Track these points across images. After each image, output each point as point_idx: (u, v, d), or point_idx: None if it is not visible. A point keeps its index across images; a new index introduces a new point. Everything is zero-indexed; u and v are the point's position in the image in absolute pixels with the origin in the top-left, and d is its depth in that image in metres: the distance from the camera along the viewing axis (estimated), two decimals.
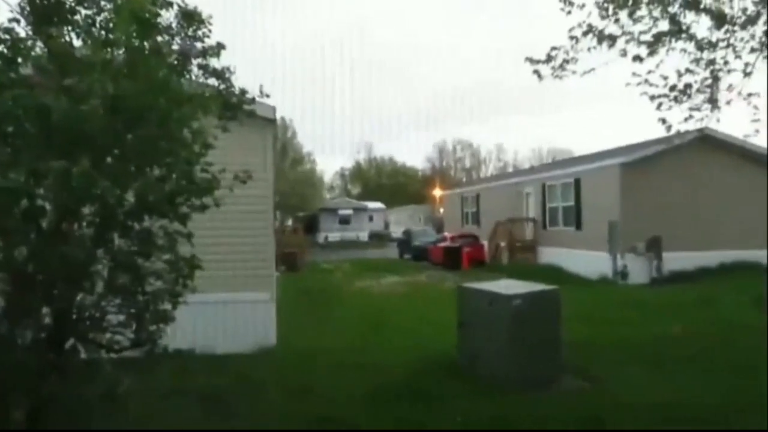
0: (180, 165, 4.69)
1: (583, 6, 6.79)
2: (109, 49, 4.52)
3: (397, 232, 46.50)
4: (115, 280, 4.75)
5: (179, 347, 5.35)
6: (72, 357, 4.67)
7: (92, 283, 4.62)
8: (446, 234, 30.26)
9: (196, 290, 5.13)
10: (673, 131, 7.47)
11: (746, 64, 7.21)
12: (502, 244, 24.42)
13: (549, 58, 7.11)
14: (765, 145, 19.03)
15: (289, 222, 47.57)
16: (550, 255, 22.42)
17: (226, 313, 9.55)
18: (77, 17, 4.83)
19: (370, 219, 56.77)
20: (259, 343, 9.63)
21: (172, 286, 5.01)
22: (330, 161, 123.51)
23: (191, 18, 4.97)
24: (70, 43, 4.74)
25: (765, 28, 7.07)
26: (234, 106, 5.30)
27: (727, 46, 7.17)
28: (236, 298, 9.71)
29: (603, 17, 6.89)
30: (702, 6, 6.89)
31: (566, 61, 7.09)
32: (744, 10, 6.95)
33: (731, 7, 6.95)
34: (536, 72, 7.14)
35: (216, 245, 8.55)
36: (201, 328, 8.67)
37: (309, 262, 27.95)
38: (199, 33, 5.06)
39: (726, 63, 7.26)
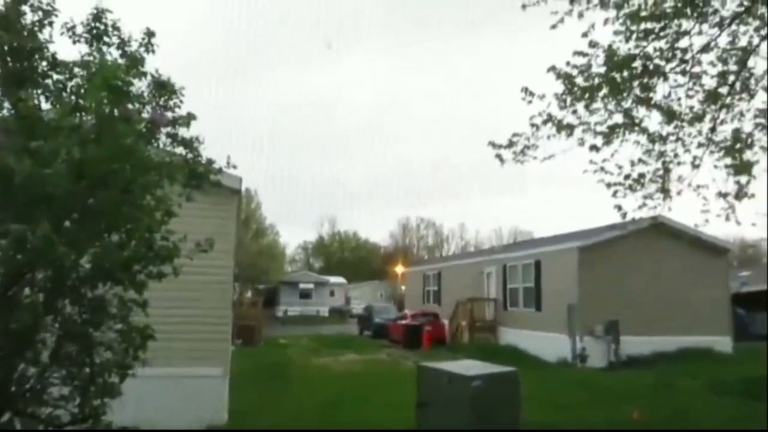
0: (140, 231, 4.62)
1: (543, 96, 7.16)
2: (78, 114, 4.53)
3: (358, 308, 45.91)
4: (62, 349, 4.53)
5: (124, 424, 5.05)
6: None
7: (36, 352, 4.40)
8: (407, 311, 30.02)
9: (147, 363, 4.93)
10: (628, 218, 7.76)
11: (695, 158, 7.65)
12: (463, 323, 24.33)
13: (511, 144, 7.39)
14: (716, 234, 19.92)
15: (249, 294, 46.57)
16: (510, 335, 22.39)
17: (176, 388, 9.12)
18: (48, 81, 4.85)
19: (331, 294, 56.06)
20: (210, 421, 9.18)
21: (122, 357, 4.81)
22: (293, 234, 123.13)
23: (163, 88, 5.05)
24: (39, 107, 4.73)
25: (711, 124, 7.56)
26: (200, 176, 5.31)
27: (677, 140, 7.62)
28: (188, 372, 9.32)
29: (561, 108, 7.27)
30: (653, 102, 7.36)
31: (527, 147, 7.38)
32: (691, 108, 7.45)
33: (680, 105, 7.43)
34: (498, 156, 7.40)
35: (170, 315, 8.28)
36: (148, 403, 8.24)
37: (267, 336, 27.21)
38: (171, 103, 5.13)
39: (676, 155, 7.68)
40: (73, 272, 4.28)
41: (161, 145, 5.16)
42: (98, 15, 5.03)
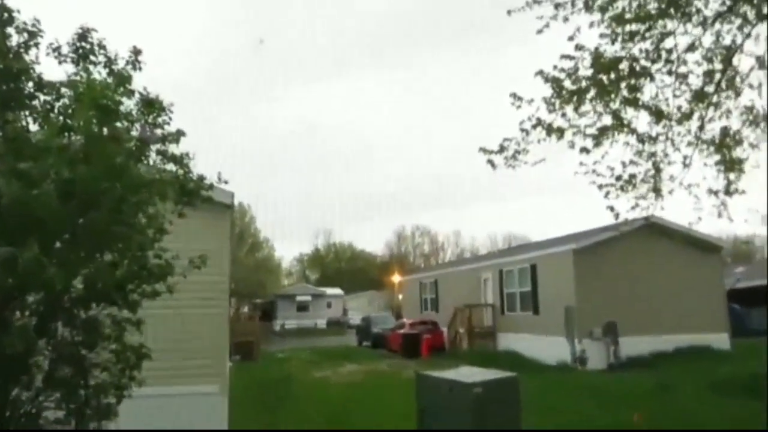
0: (133, 250, 4.59)
1: (531, 101, 7.19)
2: (66, 134, 4.51)
3: (355, 318, 45.78)
4: (56, 372, 4.48)
5: None
6: None
7: (30, 376, 4.35)
8: (405, 320, 29.94)
9: (144, 383, 4.88)
10: (621, 219, 7.78)
11: (685, 157, 7.69)
12: (461, 330, 24.28)
13: (501, 149, 7.41)
14: (709, 232, 20.02)
15: (245, 308, 46.39)
16: (509, 340, 22.36)
17: (174, 407, 9.02)
18: (35, 102, 4.83)
19: (329, 306, 55.94)
20: None
21: (118, 378, 4.76)
22: (288, 247, 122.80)
23: (152, 105, 5.04)
24: (27, 128, 4.71)
25: (699, 123, 7.61)
26: (191, 192, 5.29)
27: (666, 139, 7.66)
28: (185, 391, 9.22)
29: (550, 111, 7.29)
30: (641, 103, 7.39)
31: (518, 152, 7.40)
32: (679, 107, 7.49)
33: (668, 105, 7.48)
34: (490, 162, 7.41)
35: (166, 333, 8.22)
36: (146, 424, 8.15)
37: (265, 351, 27.06)
38: (160, 120, 5.12)
39: (666, 155, 7.72)
40: (65, 294, 4.24)
41: (151, 162, 5.14)
42: (84, 34, 5.02)
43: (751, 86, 7.24)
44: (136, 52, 5.14)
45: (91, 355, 4.65)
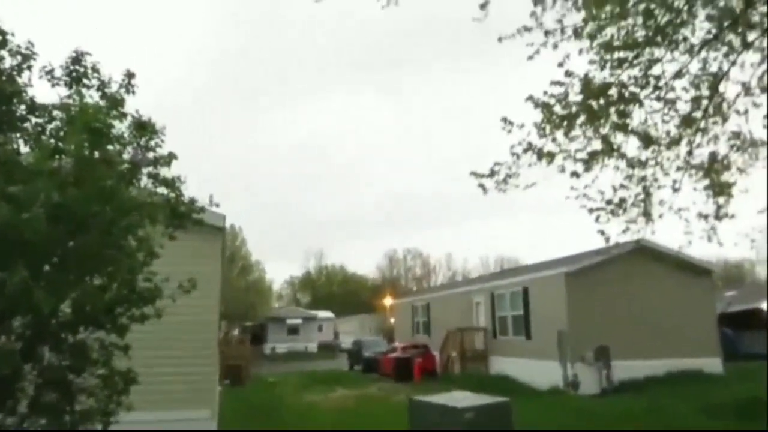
0: (122, 273, 4.55)
1: (522, 126, 7.25)
2: (57, 157, 4.50)
3: (347, 342, 45.41)
4: (42, 398, 4.41)
5: None
6: None
7: (15, 401, 4.27)
8: (397, 344, 29.73)
9: (132, 408, 4.80)
10: (611, 242, 7.80)
11: (674, 181, 7.76)
12: (453, 354, 24.13)
13: (492, 173, 7.44)
14: (699, 256, 20.11)
15: (236, 332, 45.94)
16: (501, 364, 22.23)
17: None
18: (27, 125, 4.83)
19: (320, 329, 55.46)
20: None
21: (105, 403, 4.69)
22: (279, 269, 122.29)
23: (144, 128, 5.05)
24: (18, 151, 4.70)
25: (687, 148, 7.70)
26: (182, 215, 5.28)
27: (656, 164, 7.73)
28: (174, 416, 9.08)
29: (541, 136, 7.35)
30: (630, 128, 7.48)
31: (509, 176, 7.43)
32: (668, 132, 7.58)
33: (656, 130, 7.57)
34: (481, 186, 7.44)
35: (154, 358, 8.12)
36: None
37: (255, 375, 26.74)
38: (152, 143, 5.13)
39: (656, 179, 7.79)
40: (52, 317, 4.19)
41: (143, 185, 5.13)
42: (77, 58, 5.05)
43: (737, 112, 7.35)
44: (130, 75, 5.17)
45: (78, 380, 4.58)
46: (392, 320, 42.68)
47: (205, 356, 9.80)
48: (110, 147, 4.65)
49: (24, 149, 4.80)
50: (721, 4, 6.79)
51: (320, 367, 32.73)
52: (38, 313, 3.92)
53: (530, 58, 7.03)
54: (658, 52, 7.17)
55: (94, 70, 5.10)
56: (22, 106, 4.80)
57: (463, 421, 7.22)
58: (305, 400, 18.52)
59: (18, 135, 4.80)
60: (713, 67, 7.23)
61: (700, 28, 7.09)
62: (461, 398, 8.05)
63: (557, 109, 7.26)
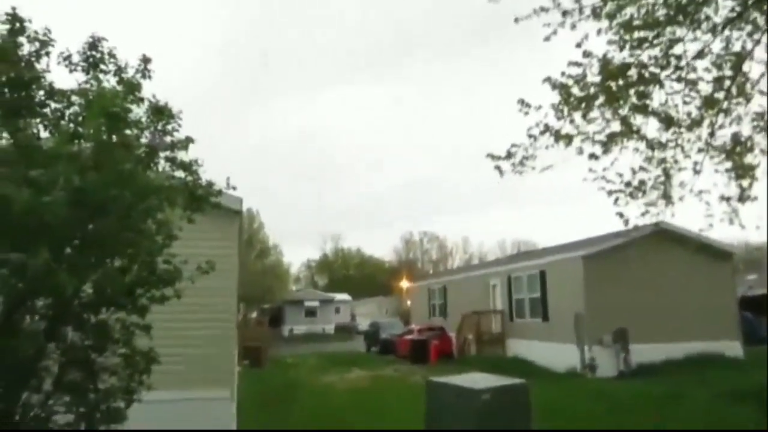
0: (142, 256, 4.63)
1: (539, 107, 7.18)
2: (76, 142, 4.56)
3: (363, 324, 45.72)
4: (66, 376, 4.52)
5: None
6: None
7: (40, 380, 4.39)
8: (413, 326, 29.89)
9: (152, 387, 4.91)
10: (630, 225, 7.73)
11: (695, 163, 7.65)
12: (470, 336, 24.19)
13: (509, 155, 7.39)
14: (720, 239, 19.82)
15: (254, 314, 46.46)
16: (517, 347, 22.25)
17: (182, 412, 9.04)
18: (46, 110, 4.89)
19: (337, 311, 55.89)
20: None
21: (127, 382, 4.80)
22: (297, 252, 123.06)
23: (161, 113, 5.09)
24: (37, 136, 4.76)
25: (709, 130, 7.57)
26: (200, 198, 5.33)
27: (676, 146, 7.62)
28: (194, 395, 9.25)
29: (559, 118, 7.27)
30: (650, 109, 7.36)
31: (525, 158, 7.38)
32: (689, 113, 7.45)
33: (677, 111, 7.44)
34: (498, 168, 7.39)
35: (174, 338, 8.25)
36: (154, 429, 8.18)
37: (273, 356, 27.08)
38: (169, 127, 5.17)
39: (676, 161, 7.68)
40: (75, 299, 4.28)
41: (161, 169, 5.18)
42: (94, 43, 5.08)
43: (761, 92, 7.20)
44: (146, 60, 5.20)
45: (100, 359, 4.68)
46: (408, 303, 42.83)
47: (223, 337, 9.94)
48: (128, 131, 4.70)
49: (43, 134, 4.87)
50: None
51: (337, 349, 33.04)
52: (61, 294, 4.00)
53: (547, 39, 6.94)
54: (679, 32, 7.03)
55: (111, 55, 5.13)
56: (41, 92, 4.85)
57: (479, 402, 7.25)
58: (323, 381, 18.73)
59: (37, 120, 4.86)
60: (736, 47, 7.08)
61: (723, 6, 6.94)
62: (478, 379, 8.08)
63: (575, 90, 7.18)
